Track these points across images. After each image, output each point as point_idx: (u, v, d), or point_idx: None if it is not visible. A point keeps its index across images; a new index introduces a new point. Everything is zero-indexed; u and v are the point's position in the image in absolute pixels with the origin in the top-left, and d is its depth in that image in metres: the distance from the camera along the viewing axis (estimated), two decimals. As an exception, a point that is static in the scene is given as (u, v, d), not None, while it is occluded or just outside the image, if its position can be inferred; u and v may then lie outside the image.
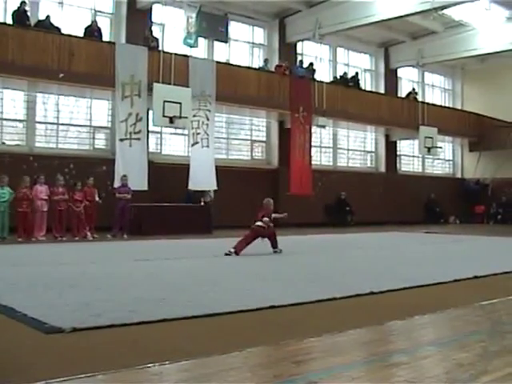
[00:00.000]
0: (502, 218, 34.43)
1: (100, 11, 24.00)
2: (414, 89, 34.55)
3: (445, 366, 4.85)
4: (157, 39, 23.67)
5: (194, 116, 23.21)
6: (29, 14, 20.97)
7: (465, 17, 30.39)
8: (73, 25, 22.49)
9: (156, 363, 4.72)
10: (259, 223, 14.60)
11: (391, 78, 34.51)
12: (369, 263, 13.15)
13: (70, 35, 21.22)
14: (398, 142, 34.42)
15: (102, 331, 5.93)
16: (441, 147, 34.23)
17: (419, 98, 34.14)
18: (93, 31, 22.18)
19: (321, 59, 31.22)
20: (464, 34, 31.52)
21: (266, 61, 27.86)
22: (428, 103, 33.92)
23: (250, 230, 14.69)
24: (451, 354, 5.26)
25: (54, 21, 21.44)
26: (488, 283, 9.90)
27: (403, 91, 34.86)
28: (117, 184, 20.67)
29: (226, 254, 13.78)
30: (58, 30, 21.26)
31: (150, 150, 23.54)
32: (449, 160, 38.80)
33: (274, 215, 15.12)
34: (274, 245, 14.85)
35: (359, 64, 33.79)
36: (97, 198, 19.33)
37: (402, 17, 26.82)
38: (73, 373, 4.41)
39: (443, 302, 7.85)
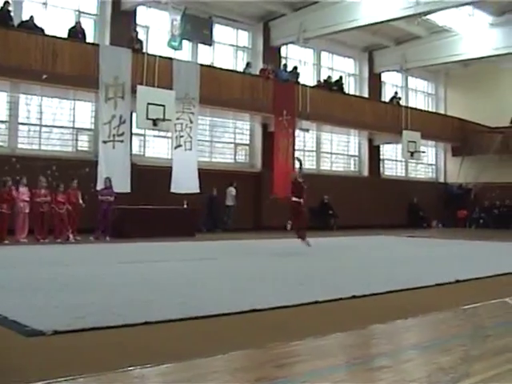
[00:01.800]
0: (484, 222, 34.59)
1: (84, 12, 23.90)
2: (396, 93, 34.65)
3: (427, 370, 4.86)
4: (141, 41, 23.61)
5: (178, 119, 23.17)
6: (12, 14, 20.84)
7: (449, 22, 30.57)
8: (56, 26, 22.37)
9: (138, 366, 4.70)
10: (294, 198, 15.23)
11: (375, 82, 34.63)
12: (351, 267, 13.16)
13: (53, 36, 21.14)
14: (381, 146, 34.51)
15: (84, 334, 5.90)
16: (424, 151, 34.35)
17: (403, 103, 34.29)
18: (77, 32, 22.08)
19: (305, 63, 31.26)
20: (448, 39, 31.70)
21: (248, 64, 27.85)
22: (411, 108, 34.08)
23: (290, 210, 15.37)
24: (433, 357, 5.28)
25: (38, 21, 21.32)
26: (470, 287, 9.95)
27: (387, 96, 34.98)
28: (100, 186, 20.58)
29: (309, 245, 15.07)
30: (42, 30, 21.14)
31: (134, 152, 23.51)
32: (432, 164, 38.97)
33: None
34: (303, 235, 15.32)
35: (343, 68, 33.88)
36: (80, 201, 19.24)
37: (386, 21, 26.94)
38: (52, 376, 4.38)
39: (425, 306, 7.87)
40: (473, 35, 30.78)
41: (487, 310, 7.71)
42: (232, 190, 26.31)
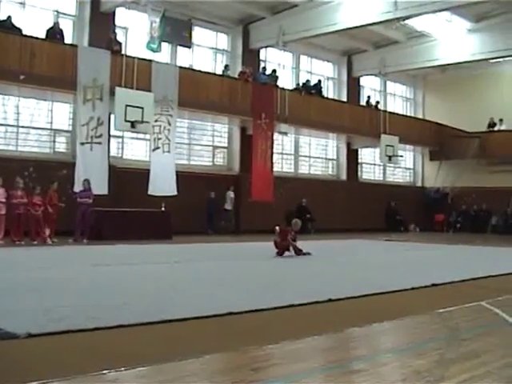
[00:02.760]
0: (461, 226, 34.91)
1: (63, 13, 23.74)
2: (369, 96, 34.73)
3: (402, 373, 4.88)
4: (120, 43, 23.52)
5: (156, 121, 23.13)
6: (-11, 14, 20.72)
7: (427, 27, 30.78)
8: (35, 26, 22.21)
9: (112, 369, 4.67)
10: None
11: (353, 86, 34.76)
12: (328, 270, 13.19)
13: (31, 36, 20.95)
14: (359, 150, 34.68)
15: (58, 337, 5.84)
16: (402, 156, 34.56)
17: (381, 107, 34.39)
18: (55, 33, 21.93)
19: (284, 66, 31.35)
20: (426, 44, 31.94)
21: (226, 67, 27.83)
22: (390, 112, 34.23)
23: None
24: (409, 361, 5.29)
25: (16, 21, 21.17)
26: (446, 291, 9.99)
27: (365, 100, 35.07)
28: (77, 188, 20.45)
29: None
30: (20, 30, 20.97)
31: (111, 154, 23.40)
32: (409, 168, 39.20)
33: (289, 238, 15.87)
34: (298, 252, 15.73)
35: (322, 72, 33.96)
36: (59, 203, 19.12)
37: (364, 26, 27.07)
38: (25, 380, 4.34)
39: (402, 310, 7.90)
40: (450, 41, 31.06)
41: (463, 314, 7.74)
42: (231, 194, 26.55)
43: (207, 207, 25.74)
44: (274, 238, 15.81)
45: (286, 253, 15.47)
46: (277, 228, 16.00)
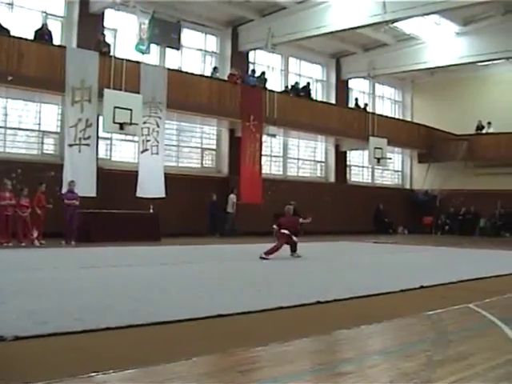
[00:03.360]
0: (449, 228, 35.07)
1: (51, 14, 23.63)
2: (357, 98, 34.80)
3: (390, 375, 4.88)
4: (109, 44, 23.44)
5: (145, 123, 23.06)
6: (-23, 15, 20.63)
7: (415, 30, 30.91)
8: (23, 27, 22.11)
9: (100, 372, 4.65)
10: (286, 232, 16.01)
11: (342, 88, 34.82)
12: (317, 273, 13.20)
13: (19, 37, 20.81)
14: (348, 152, 34.71)
15: (45, 339, 5.82)
16: (390, 158, 34.67)
17: (370, 110, 34.45)
18: (43, 34, 21.82)
19: (273, 68, 31.39)
20: (414, 47, 32.07)
21: (215, 69, 27.81)
22: (378, 114, 34.28)
23: (281, 236, 16.00)
24: (397, 363, 5.30)
25: (4, 22, 21.07)
26: (434, 293, 10.01)
27: (353, 102, 35.10)
28: (64, 190, 20.37)
29: (262, 258, 15.16)
30: (7, 31, 20.88)
31: (100, 156, 23.32)
32: (398, 171, 39.27)
33: (300, 220, 16.94)
34: (294, 249, 16.23)
35: (311, 74, 34.01)
36: (47, 205, 19.06)
37: (353, 28, 27.12)
38: (13, 382, 4.31)
39: (390, 312, 7.92)
40: (439, 44, 31.20)
41: (451, 316, 7.77)
42: (233, 198, 26.66)
43: (210, 210, 25.92)
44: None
45: (275, 254, 15.47)
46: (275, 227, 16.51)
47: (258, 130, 27.44)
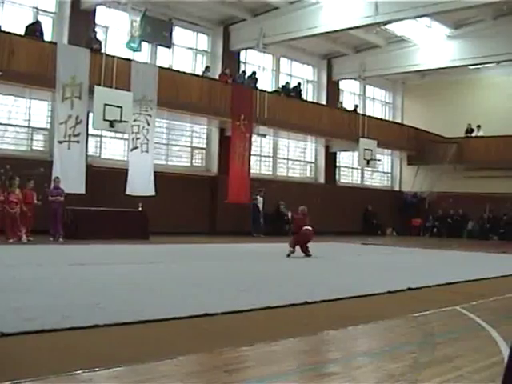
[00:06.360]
0: (437, 230, 35.18)
1: (42, 10, 23.55)
2: (341, 102, 34.82)
3: (376, 377, 4.89)
4: (100, 41, 23.39)
5: (135, 120, 23.01)
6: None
7: (407, 33, 30.94)
8: (14, 23, 22.01)
9: (86, 370, 4.63)
10: (310, 228, 16.83)
11: (333, 89, 34.81)
12: (305, 273, 13.23)
13: (10, 33, 20.72)
14: (337, 153, 34.74)
15: (31, 336, 5.79)
16: (380, 160, 34.75)
17: (360, 111, 34.49)
18: (34, 30, 21.75)
19: (264, 68, 31.40)
20: (405, 49, 32.13)
21: (207, 68, 27.78)
22: (368, 116, 34.30)
23: (303, 233, 16.71)
24: (383, 364, 5.32)
25: (-5, 18, 21.04)
26: (421, 295, 10.04)
27: (344, 103, 35.12)
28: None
29: (288, 256, 15.94)
30: (-2, 27, 20.84)
31: (89, 153, 23.30)
32: (387, 173, 39.35)
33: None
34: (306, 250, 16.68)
35: (302, 75, 34.01)
36: (35, 201, 19.01)
37: (345, 30, 27.13)
38: (-1, 379, 4.31)
39: (377, 313, 7.93)
40: (430, 46, 31.29)
41: (437, 318, 7.79)
42: (260, 199, 27.98)
43: (252, 211, 27.59)
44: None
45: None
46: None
47: (248, 129, 27.41)
